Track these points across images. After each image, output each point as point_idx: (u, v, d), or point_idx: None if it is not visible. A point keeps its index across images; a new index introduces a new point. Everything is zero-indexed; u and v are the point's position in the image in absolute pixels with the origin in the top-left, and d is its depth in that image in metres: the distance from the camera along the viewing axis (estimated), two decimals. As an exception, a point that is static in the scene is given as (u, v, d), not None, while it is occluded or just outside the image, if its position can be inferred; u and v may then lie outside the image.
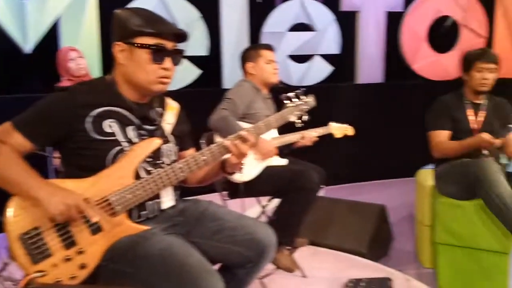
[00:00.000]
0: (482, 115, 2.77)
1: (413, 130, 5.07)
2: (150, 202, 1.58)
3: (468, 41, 5.54)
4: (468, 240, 2.63)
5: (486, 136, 2.54)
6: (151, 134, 1.61)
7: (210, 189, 2.64)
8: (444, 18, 5.58)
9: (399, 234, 3.63)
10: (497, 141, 2.55)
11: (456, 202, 2.66)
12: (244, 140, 1.59)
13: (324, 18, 4.93)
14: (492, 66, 2.72)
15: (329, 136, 2.98)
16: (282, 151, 2.86)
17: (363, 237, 3.14)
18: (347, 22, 5.09)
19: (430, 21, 5.42)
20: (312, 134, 2.83)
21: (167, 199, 1.65)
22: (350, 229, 3.22)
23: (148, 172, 1.56)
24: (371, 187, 5.04)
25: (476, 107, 2.79)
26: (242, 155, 1.61)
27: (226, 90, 2.88)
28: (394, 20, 5.30)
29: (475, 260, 2.64)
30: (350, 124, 3.06)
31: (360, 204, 3.43)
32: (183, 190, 1.79)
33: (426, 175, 3.11)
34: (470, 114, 2.77)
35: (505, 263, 2.59)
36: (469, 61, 2.78)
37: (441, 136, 2.75)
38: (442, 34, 5.74)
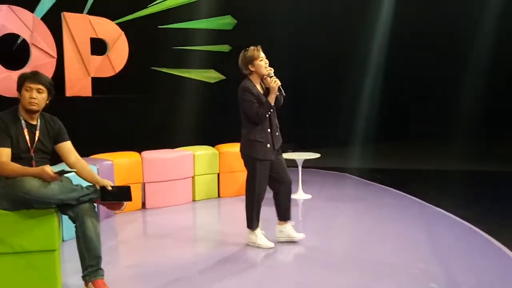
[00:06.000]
0: (37, 134, 2.97)
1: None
2: None
3: (39, 60, 5.81)
4: (17, 245, 2.79)
5: (48, 169, 2.77)
6: None
7: None
8: (14, 36, 5.67)
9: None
10: (55, 175, 2.79)
11: (3, 212, 2.78)
12: None
13: None
14: (40, 87, 2.94)
15: None
16: None
17: None
18: None
19: (-2, 37, 5.39)
20: None
21: None
22: None
23: None
24: None
25: (31, 126, 2.96)
26: None
27: None
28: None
29: (27, 264, 2.82)
30: None
31: None
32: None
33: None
34: (26, 133, 2.92)
35: (54, 259, 2.88)
36: (20, 81, 2.93)
37: (4, 155, 2.81)
38: (13, 51, 5.83)
